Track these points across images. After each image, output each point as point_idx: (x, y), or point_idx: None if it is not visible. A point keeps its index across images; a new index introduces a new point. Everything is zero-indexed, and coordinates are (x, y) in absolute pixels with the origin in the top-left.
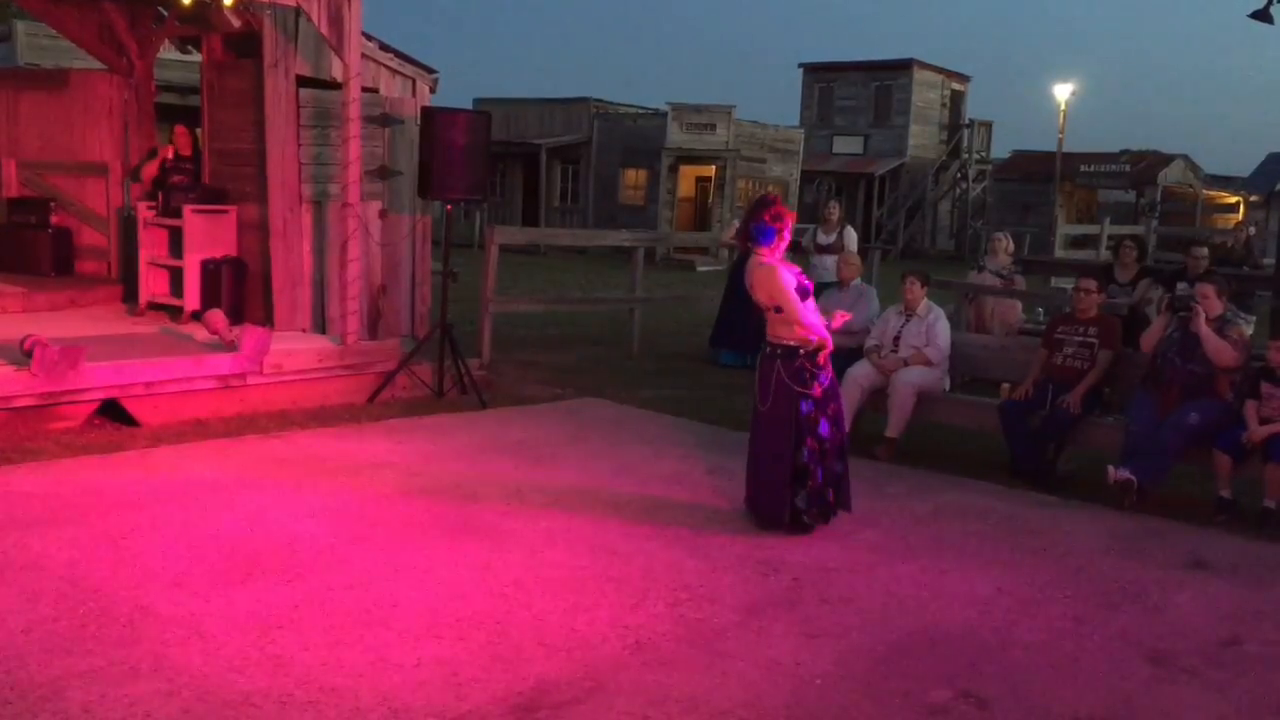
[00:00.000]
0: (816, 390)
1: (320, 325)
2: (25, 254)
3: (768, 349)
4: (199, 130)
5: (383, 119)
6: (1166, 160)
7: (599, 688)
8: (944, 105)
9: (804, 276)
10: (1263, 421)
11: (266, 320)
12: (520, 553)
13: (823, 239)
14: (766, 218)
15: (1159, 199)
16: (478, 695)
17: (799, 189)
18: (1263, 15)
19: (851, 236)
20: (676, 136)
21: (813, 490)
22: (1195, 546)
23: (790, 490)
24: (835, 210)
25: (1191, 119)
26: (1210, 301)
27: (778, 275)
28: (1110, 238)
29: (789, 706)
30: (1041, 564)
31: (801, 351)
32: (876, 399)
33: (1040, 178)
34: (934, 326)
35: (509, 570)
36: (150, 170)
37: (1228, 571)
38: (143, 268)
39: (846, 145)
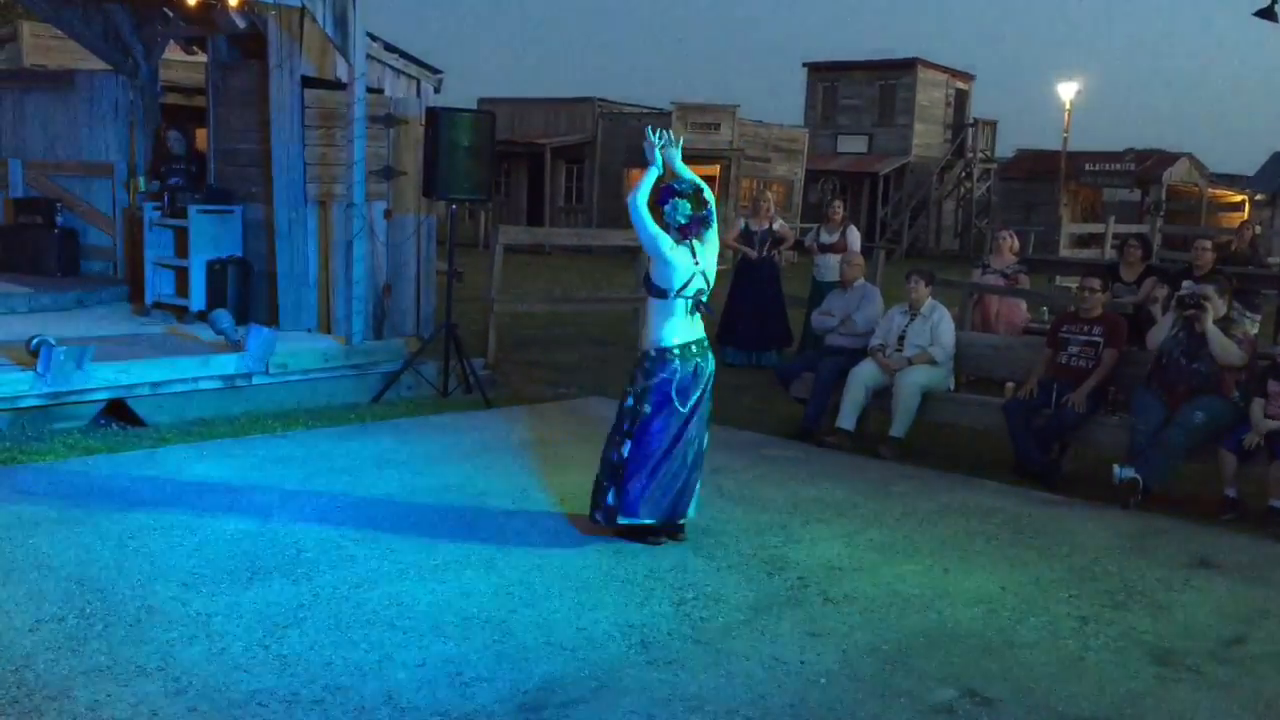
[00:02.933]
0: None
1: (325, 325)
2: (32, 254)
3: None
4: (203, 130)
5: (387, 119)
6: (1171, 159)
7: (604, 687)
8: (948, 104)
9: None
10: (1269, 419)
11: (272, 320)
12: (525, 552)
13: (826, 238)
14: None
15: (1164, 198)
16: (483, 694)
17: (803, 188)
18: (1267, 14)
19: (855, 236)
20: (680, 136)
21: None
22: (1201, 546)
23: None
24: (839, 209)
25: (1196, 118)
26: (1214, 301)
27: None
28: (1115, 237)
29: (794, 705)
30: (1046, 563)
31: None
32: (881, 398)
33: (1045, 177)
34: (939, 325)
35: (514, 569)
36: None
37: (1233, 571)
38: (149, 268)
39: (851, 144)
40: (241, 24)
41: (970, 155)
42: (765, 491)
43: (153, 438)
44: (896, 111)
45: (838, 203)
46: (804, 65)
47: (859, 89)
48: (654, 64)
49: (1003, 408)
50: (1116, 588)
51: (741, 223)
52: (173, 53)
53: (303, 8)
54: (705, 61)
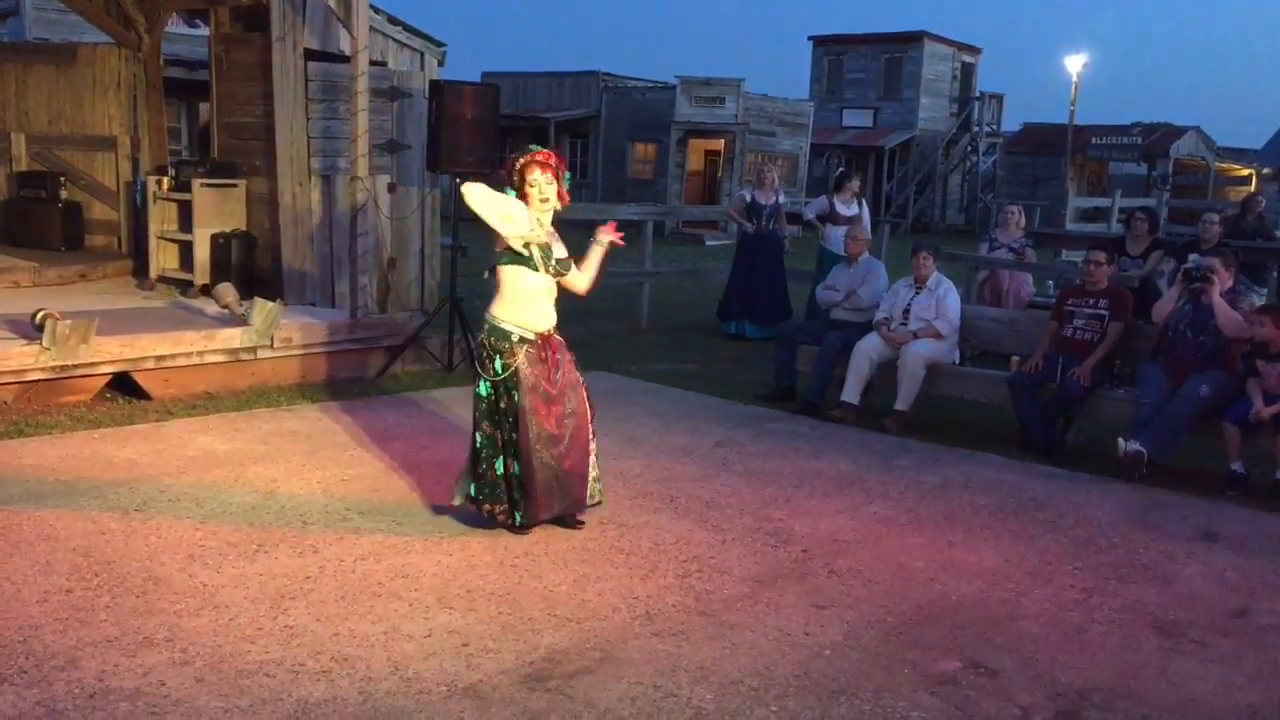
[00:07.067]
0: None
1: (330, 299)
2: (36, 228)
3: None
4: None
5: (391, 92)
6: (1178, 133)
7: (609, 657)
8: (954, 78)
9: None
10: (1266, 394)
11: (276, 294)
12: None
13: (843, 209)
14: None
15: (1170, 172)
16: (488, 664)
17: (808, 162)
18: None
19: (866, 209)
20: (685, 110)
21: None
22: (1205, 519)
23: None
24: (857, 182)
25: (1204, 91)
26: (1220, 274)
27: None
28: (1121, 210)
29: (798, 676)
30: (1050, 536)
31: None
32: (886, 372)
33: (1051, 151)
34: (944, 299)
35: (519, 541)
36: None
37: (1237, 543)
38: (153, 242)
39: (856, 118)
40: None
41: (976, 129)
42: (770, 464)
43: (158, 411)
44: (902, 85)
45: (857, 177)
46: (809, 39)
47: (864, 62)
48: (659, 38)
49: (1007, 381)
50: (1121, 560)
51: (747, 195)
52: (175, 26)
53: None
54: (710, 35)
